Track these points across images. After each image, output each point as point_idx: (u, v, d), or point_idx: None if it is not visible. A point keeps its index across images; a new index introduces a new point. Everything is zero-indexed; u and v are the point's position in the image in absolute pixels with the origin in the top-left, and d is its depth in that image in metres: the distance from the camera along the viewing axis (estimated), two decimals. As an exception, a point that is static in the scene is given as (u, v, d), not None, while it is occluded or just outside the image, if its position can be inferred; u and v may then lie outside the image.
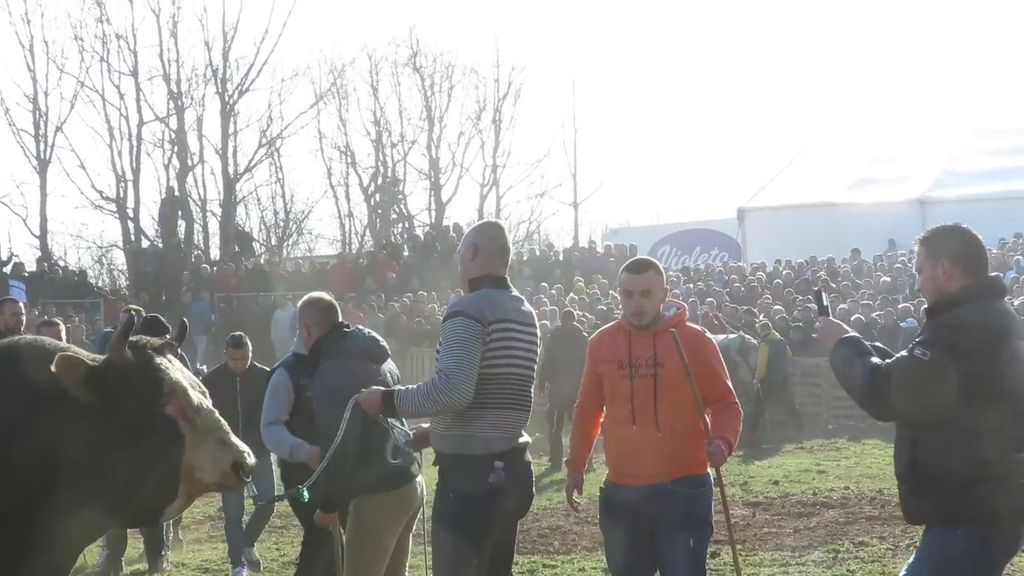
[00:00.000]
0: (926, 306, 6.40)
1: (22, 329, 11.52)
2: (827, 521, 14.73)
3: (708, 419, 7.31)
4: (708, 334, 7.73)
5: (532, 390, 7.35)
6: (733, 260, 40.03)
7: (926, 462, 6.02)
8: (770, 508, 15.94)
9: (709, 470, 7.48)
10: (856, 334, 6.37)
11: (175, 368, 6.25)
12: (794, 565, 12.13)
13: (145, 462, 6.02)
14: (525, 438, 7.29)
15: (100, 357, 6.15)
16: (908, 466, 6.13)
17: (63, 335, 10.31)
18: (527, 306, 7.44)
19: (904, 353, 6.03)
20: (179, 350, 6.58)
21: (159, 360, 6.20)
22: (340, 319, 8.54)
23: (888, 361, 6.05)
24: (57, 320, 13.47)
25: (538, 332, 7.50)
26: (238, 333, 13.62)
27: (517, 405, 7.19)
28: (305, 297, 8.70)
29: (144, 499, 6.15)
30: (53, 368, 5.85)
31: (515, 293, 7.39)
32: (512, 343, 7.12)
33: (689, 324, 7.63)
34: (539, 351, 7.57)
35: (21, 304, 12.19)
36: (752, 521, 14.89)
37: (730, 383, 7.58)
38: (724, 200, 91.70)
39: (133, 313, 6.34)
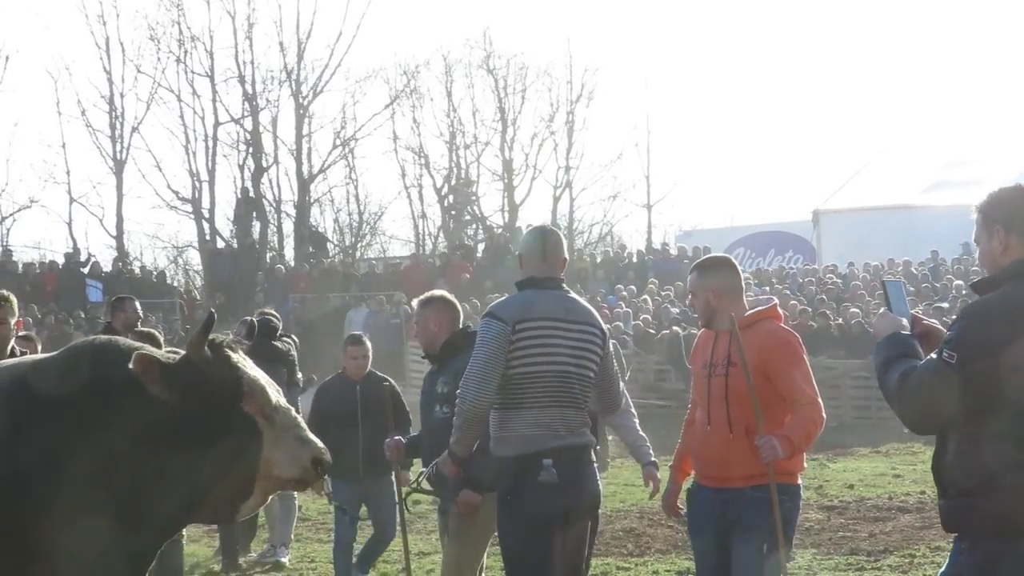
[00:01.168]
0: (974, 281, 5.84)
1: (139, 326, 11.73)
2: (903, 526, 14.60)
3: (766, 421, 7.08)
4: (786, 332, 7.44)
5: (587, 387, 7.33)
6: (808, 263, 39.83)
7: (941, 465, 5.46)
8: (845, 512, 15.83)
9: (798, 479, 7.34)
10: (906, 333, 5.62)
11: (251, 366, 6.31)
12: (869, 570, 12.07)
13: (223, 460, 6.08)
14: (583, 436, 7.27)
15: (178, 355, 6.21)
16: (932, 470, 5.59)
17: (39, 349, 10.29)
18: (582, 304, 7.48)
19: (934, 355, 5.30)
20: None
21: (236, 358, 6.23)
22: None
23: (918, 364, 5.34)
24: (32, 335, 13.22)
25: (600, 329, 7.43)
26: (357, 332, 13.70)
27: (563, 402, 7.20)
28: (434, 295, 8.90)
29: (221, 497, 6.21)
30: (131, 366, 5.89)
31: (567, 293, 7.42)
32: (551, 340, 7.16)
33: (771, 322, 7.42)
34: (602, 349, 7.44)
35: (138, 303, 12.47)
36: (827, 525, 14.79)
37: (809, 385, 7.17)
38: (799, 202, 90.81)
39: (213, 311, 6.40)
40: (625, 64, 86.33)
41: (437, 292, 8.91)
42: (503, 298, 7.48)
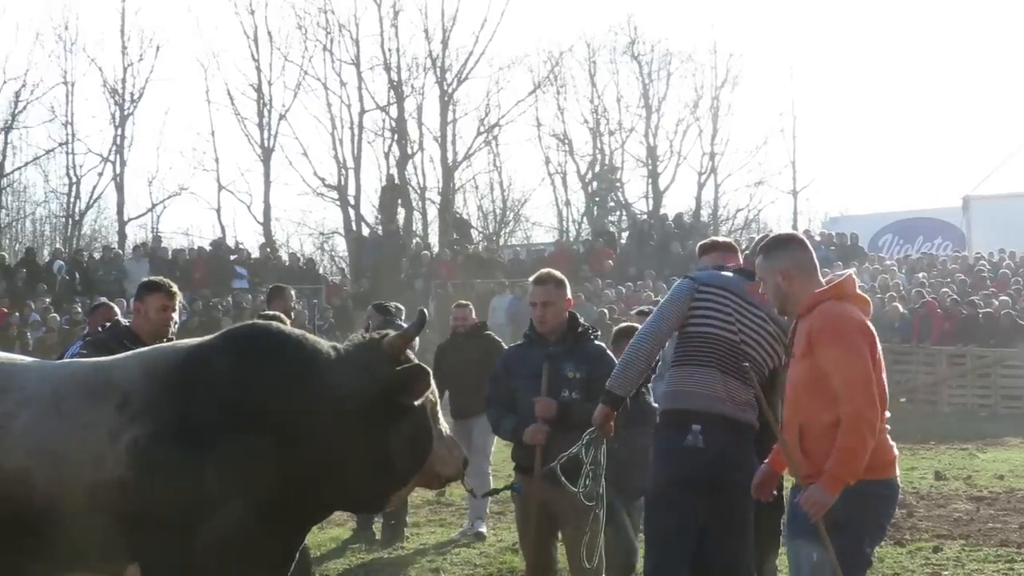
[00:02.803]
0: None
1: (292, 316, 11.99)
2: (1054, 517, 14.32)
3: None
4: (836, 314, 6.47)
5: (755, 368, 7.31)
6: (957, 250, 39.18)
7: None
8: (995, 503, 15.59)
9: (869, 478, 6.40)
10: None
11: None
12: (1020, 562, 11.84)
13: (402, 453, 6.37)
14: (745, 413, 7.22)
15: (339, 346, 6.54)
16: None
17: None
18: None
19: None
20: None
21: (411, 356, 6.55)
22: None
23: None
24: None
25: (782, 329, 7.34)
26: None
27: (729, 371, 7.25)
28: (559, 275, 8.84)
29: (382, 486, 6.49)
30: (386, 348, 6.37)
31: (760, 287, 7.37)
32: (730, 310, 7.30)
33: (831, 303, 6.52)
34: (779, 344, 7.38)
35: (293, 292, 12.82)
36: (976, 516, 14.58)
37: (850, 382, 6.29)
38: (948, 188, 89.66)
39: (424, 310, 6.64)
40: (770, 49, 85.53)
41: (557, 272, 8.87)
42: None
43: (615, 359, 7.98)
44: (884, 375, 6.52)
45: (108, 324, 9.30)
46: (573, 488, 7.72)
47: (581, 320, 8.84)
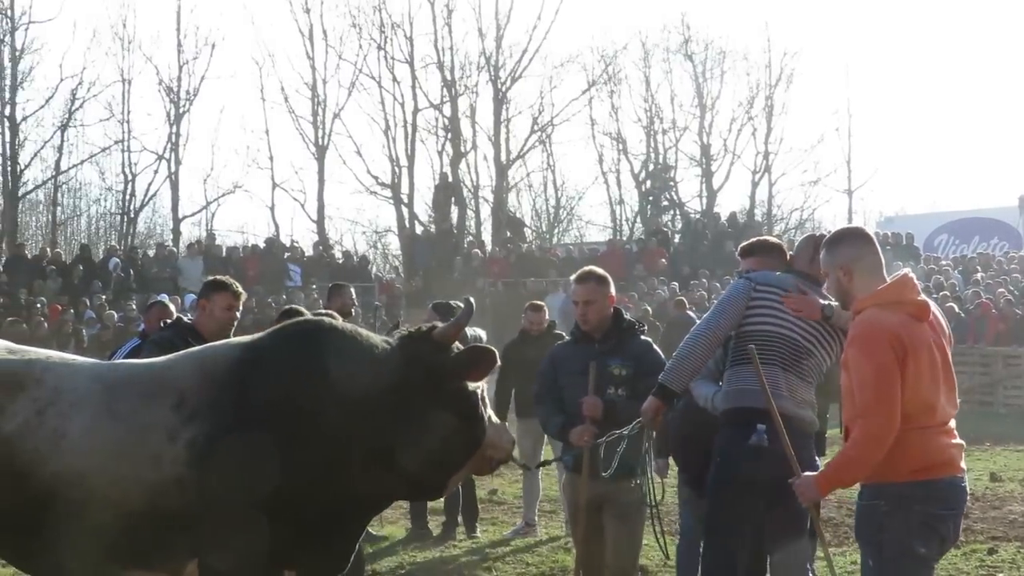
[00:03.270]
0: None
1: (354, 312, 12.10)
2: None
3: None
4: (868, 322, 6.34)
5: (813, 365, 7.39)
6: (1014, 250, 38.91)
7: None
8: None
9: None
10: None
11: None
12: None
13: (458, 438, 6.53)
14: (804, 411, 7.18)
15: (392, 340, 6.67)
16: None
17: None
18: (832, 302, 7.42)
19: None
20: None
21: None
22: None
23: None
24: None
25: (836, 331, 7.41)
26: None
27: (789, 367, 7.28)
28: (603, 272, 8.79)
29: (440, 471, 6.65)
30: (437, 337, 6.56)
31: (822, 291, 7.44)
32: (785, 308, 7.32)
33: (872, 310, 6.36)
34: (838, 343, 7.38)
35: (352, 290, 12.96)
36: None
37: (869, 393, 6.19)
38: (1005, 187, 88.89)
39: (471, 299, 6.77)
40: (825, 47, 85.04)
41: (598, 269, 8.84)
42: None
43: (663, 354, 8.04)
44: (941, 379, 6.41)
45: (170, 321, 9.41)
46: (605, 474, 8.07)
47: (627, 315, 8.82)
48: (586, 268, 8.91)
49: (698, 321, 7.92)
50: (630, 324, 8.69)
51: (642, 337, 8.66)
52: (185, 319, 9.39)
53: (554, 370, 8.78)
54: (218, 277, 9.63)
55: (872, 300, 6.40)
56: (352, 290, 13.09)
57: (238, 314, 8.97)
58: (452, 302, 13.21)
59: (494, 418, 6.86)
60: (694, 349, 7.39)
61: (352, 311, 12.26)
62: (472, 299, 6.88)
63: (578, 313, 8.61)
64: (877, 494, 6.35)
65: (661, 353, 8.42)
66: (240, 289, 9.07)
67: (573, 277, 8.88)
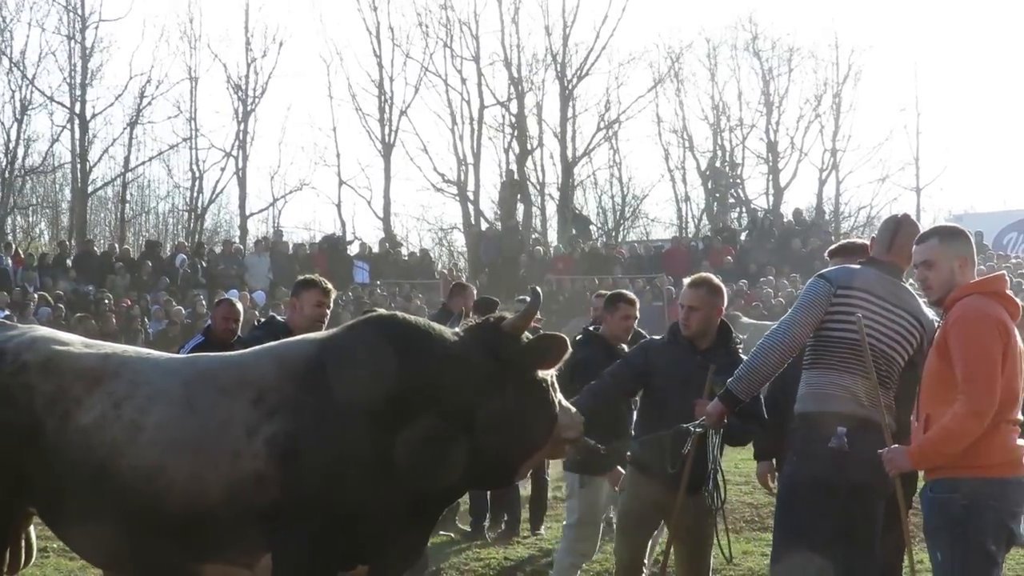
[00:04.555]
0: None
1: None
2: None
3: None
4: (974, 308, 6.49)
5: (894, 371, 7.27)
6: (1085, 248, 38.57)
7: None
8: None
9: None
10: None
11: None
12: None
13: (534, 421, 6.64)
14: (888, 420, 7.12)
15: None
16: None
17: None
18: (913, 295, 7.42)
19: None
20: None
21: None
22: None
23: None
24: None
25: (922, 324, 7.32)
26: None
27: (870, 374, 7.12)
28: (717, 281, 8.64)
29: (517, 456, 6.73)
30: (510, 329, 6.61)
31: (902, 282, 7.42)
32: (868, 313, 7.15)
33: (975, 297, 6.53)
34: (919, 343, 7.30)
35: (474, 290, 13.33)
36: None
37: (971, 375, 6.32)
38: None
39: (538, 289, 6.91)
40: (893, 43, 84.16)
41: (714, 278, 8.68)
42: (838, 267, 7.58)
43: None
44: (1020, 377, 6.49)
45: (263, 320, 9.69)
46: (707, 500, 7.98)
47: (734, 333, 8.77)
48: (703, 274, 8.82)
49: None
50: (734, 341, 8.65)
51: (741, 355, 8.48)
52: (279, 318, 9.58)
53: (647, 366, 8.63)
54: (308, 276, 9.99)
55: (975, 288, 6.60)
56: (474, 290, 13.30)
57: (328, 311, 9.18)
58: (491, 298, 13.38)
59: (564, 402, 6.90)
60: (768, 359, 7.24)
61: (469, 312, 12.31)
62: (539, 289, 6.97)
63: (682, 317, 8.54)
64: (953, 488, 6.40)
65: None
66: (329, 286, 9.39)
67: (687, 280, 8.78)
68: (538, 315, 12.61)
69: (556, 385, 6.81)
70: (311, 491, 6.23)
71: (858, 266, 7.48)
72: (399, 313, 7.07)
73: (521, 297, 14.31)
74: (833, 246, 8.64)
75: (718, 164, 52.39)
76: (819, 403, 7.24)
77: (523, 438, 6.59)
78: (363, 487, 6.24)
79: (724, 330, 8.61)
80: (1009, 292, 6.70)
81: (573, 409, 6.96)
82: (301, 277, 9.89)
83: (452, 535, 13.81)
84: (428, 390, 6.40)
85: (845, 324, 7.15)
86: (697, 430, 7.73)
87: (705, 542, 8.47)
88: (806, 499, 7.16)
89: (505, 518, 14.06)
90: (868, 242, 8.03)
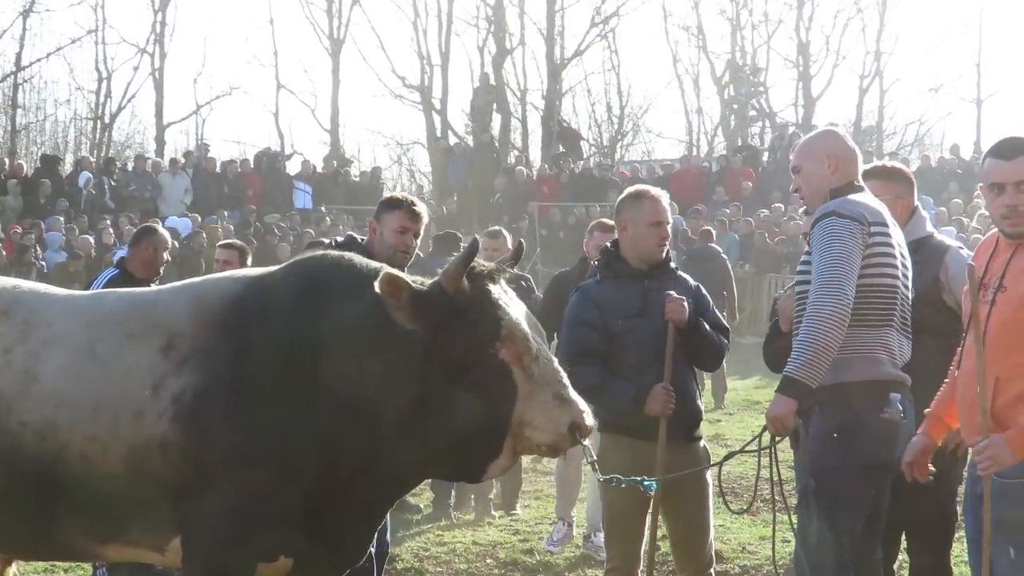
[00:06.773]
0: None
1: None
2: None
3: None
4: None
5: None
6: None
7: None
8: None
9: None
10: None
11: (515, 305, 6.39)
12: None
13: (468, 412, 6.17)
14: (906, 376, 7.11)
15: (427, 282, 6.29)
16: None
17: (248, 262, 10.60)
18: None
19: None
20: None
21: (498, 295, 6.32)
22: None
23: None
24: (237, 243, 13.02)
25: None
26: None
27: (903, 328, 7.13)
28: None
29: (467, 452, 6.34)
30: (377, 288, 6.05)
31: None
32: (893, 252, 7.09)
33: None
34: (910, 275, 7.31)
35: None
36: None
37: None
38: None
39: (478, 238, 6.49)
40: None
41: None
42: (837, 199, 7.16)
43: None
44: None
45: (340, 240, 9.27)
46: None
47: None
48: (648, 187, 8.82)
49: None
50: (669, 259, 8.60)
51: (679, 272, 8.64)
52: (359, 238, 9.21)
53: (600, 316, 8.48)
54: (394, 194, 9.50)
55: None
56: (508, 236, 12.80)
57: (417, 239, 8.80)
58: (453, 232, 12.92)
59: (557, 393, 6.29)
60: (830, 338, 6.81)
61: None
62: (479, 238, 6.62)
63: (656, 235, 8.37)
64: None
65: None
66: (421, 210, 8.83)
67: (635, 193, 8.65)
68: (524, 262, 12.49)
69: (532, 370, 6.22)
70: (220, 462, 6.15)
71: (863, 196, 7.26)
72: (351, 254, 6.81)
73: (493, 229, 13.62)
74: (868, 166, 8.15)
75: (739, 68, 52.30)
76: (863, 370, 7.02)
77: (463, 429, 6.18)
78: (282, 460, 6.14)
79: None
80: None
81: (565, 408, 6.25)
82: (386, 196, 9.50)
83: (462, 515, 13.96)
84: (359, 353, 6.22)
85: (881, 269, 7.03)
86: (762, 444, 7.55)
87: (702, 530, 8.51)
88: (855, 479, 7.06)
89: (473, 496, 14.06)
90: (904, 167, 7.96)
